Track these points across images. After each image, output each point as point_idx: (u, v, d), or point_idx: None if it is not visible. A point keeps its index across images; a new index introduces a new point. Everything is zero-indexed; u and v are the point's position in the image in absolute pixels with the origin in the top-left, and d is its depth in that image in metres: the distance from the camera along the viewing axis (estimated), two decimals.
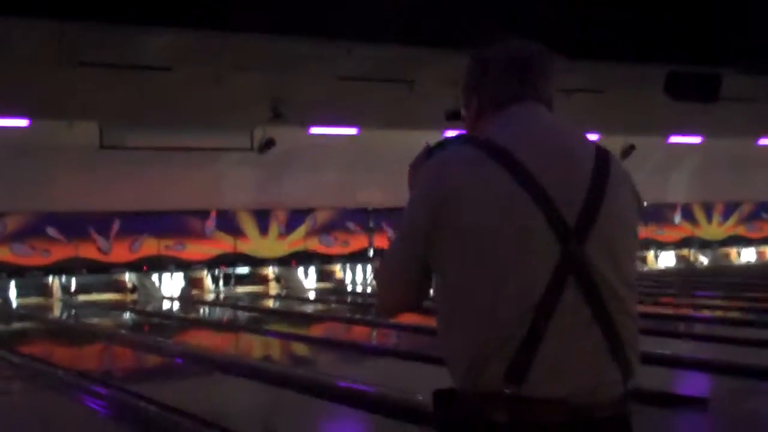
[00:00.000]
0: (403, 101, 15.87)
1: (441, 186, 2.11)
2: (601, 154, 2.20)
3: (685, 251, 25.99)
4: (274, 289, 21.68)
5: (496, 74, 2.26)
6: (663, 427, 6.88)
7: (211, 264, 20.53)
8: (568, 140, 2.21)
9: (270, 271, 22.07)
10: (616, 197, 2.15)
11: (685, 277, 21.80)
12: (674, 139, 22.37)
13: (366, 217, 23.22)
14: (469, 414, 2.09)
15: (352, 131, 18.72)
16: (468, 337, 2.07)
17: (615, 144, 21.96)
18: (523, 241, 2.04)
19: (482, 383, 2.06)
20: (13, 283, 19.87)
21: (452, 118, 15.50)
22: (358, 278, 23.88)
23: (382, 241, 23.38)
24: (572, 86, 15.25)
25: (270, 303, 19.57)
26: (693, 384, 8.43)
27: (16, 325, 16.76)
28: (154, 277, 20.49)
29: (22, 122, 15.79)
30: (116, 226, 20.19)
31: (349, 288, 22.70)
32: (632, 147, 22.22)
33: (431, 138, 2.83)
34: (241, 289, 20.62)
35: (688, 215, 26.03)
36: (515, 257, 2.04)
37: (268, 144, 17.89)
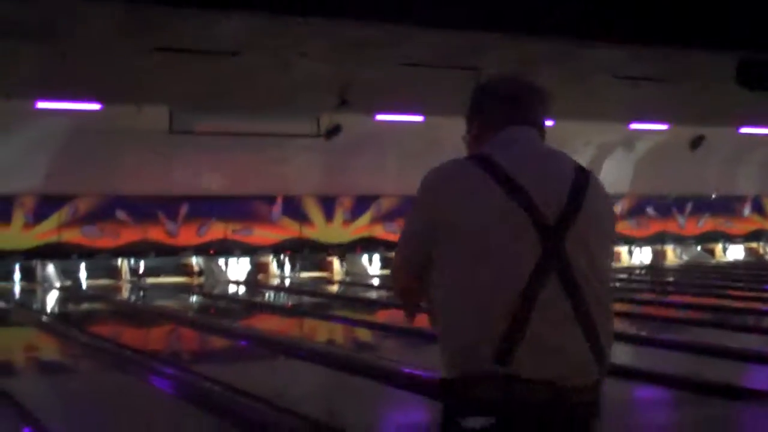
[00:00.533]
0: (468, 88, 15.79)
1: (439, 192, 2.46)
2: (580, 171, 2.51)
3: (754, 244, 25.56)
4: (338, 274, 21.79)
5: (492, 105, 2.63)
6: (729, 419, 6.81)
7: (277, 249, 20.68)
8: (551, 158, 2.54)
9: (335, 258, 22.19)
10: (594, 206, 2.46)
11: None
12: (746, 130, 21.95)
13: None
14: (469, 395, 2.36)
15: (418, 119, 18.72)
16: (463, 325, 2.37)
17: (684, 134, 21.70)
18: (510, 241, 2.35)
19: (476, 365, 2.33)
20: (83, 265, 20.24)
21: None
22: None
23: None
24: (639, 74, 15.08)
25: (334, 288, 19.68)
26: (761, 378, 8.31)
27: (86, 306, 17.07)
28: (221, 261, 20.72)
29: (95, 106, 16.03)
30: (184, 210, 20.44)
31: None
32: (702, 138, 21.91)
33: None
34: (305, 275, 20.74)
35: (758, 207, 25.59)
36: (503, 255, 2.35)
37: (335, 130, 17.96)
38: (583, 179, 2.48)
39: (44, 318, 14.60)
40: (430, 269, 2.47)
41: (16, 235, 19.27)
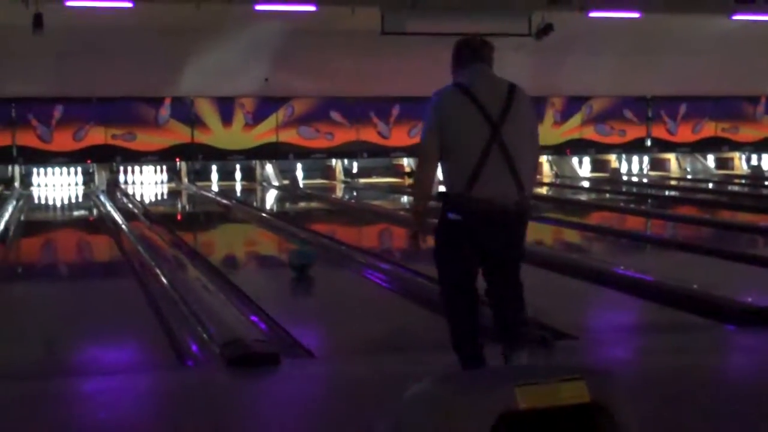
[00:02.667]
0: None
1: (440, 105, 4.59)
2: (511, 86, 4.63)
3: None
4: (546, 176, 21.70)
5: (461, 53, 4.75)
6: None
7: None
8: (495, 80, 4.68)
9: (544, 160, 22.05)
10: (519, 107, 4.57)
11: None
12: None
13: (644, 106, 22.63)
14: (452, 202, 4.54)
15: (634, 15, 18.14)
16: (453, 171, 4.55)
17: None
18: (473, 129, 4.50)
19: (457, 189, 4.51)
20: (299, 165, 20.95)
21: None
22: (634, 168, 23.42)
23: (660, 131, 22.76)
24: None
25: (544, 190, 19.60)
26: None
27: (302, 204, 17.68)
28: None
29: (310, 7, 16.32)
30: (396, 111, 20.74)
31: (625, 178, 22.35)
32: None
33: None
34: None
35: None
36: (470, 136, 4.49)
37: (546, 29, 17.63)
38: (512, 92, 4.59)
39: (264, 215, 15.26)
40: (439, 148, 4.57)
41: (237, 135, 20.13)
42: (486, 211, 4.47)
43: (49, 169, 19.79)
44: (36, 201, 17.82)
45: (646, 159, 23.50)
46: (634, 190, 19.98)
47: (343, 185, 20.68)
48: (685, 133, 22.98)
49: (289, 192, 19.03)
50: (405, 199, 18.17)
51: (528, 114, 4.65)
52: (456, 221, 4.53)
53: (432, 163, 4.60)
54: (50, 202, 18.08)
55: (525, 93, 4.65)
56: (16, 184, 19.32)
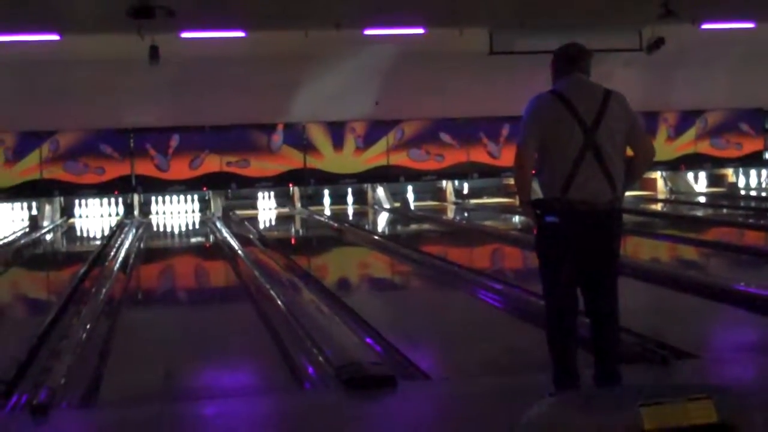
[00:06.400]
0: None
1: (538, 111, 4.78)
2: (606, 92, 4.77)
3: None
4: (662, 192, 21.32)
5: (560, 62, 4.90)
6: None
7: None
8: (591, 87, 4.80)
9: (658, 176, 21.69)
10: (613, 112, 4.72)
11: None
12: None
13: (761, 118, 22.07)
14: (549, 205, 4.76)
15: (748, 26, 17.72)
16: (548, 175, 4.76)
17: None
18: (569, 135, 4.67)
19: (553, 193, 4.72)
20: (410, 188, 21.01)
21: None
22: (752, 182, 22.84)
23: None
24: None
25: (658, 206, 19.26)
26: None
27: (414, 227, 17.70)
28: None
29: (418, 30, 16.41)
30: (505, 130, 20.66)
31: (743, 192, 21.80)
32: None
33: None
34: (627, 193, 20.40)
35: None
36: (565, 141, 4.67)
37: (658, 43, 17.35)
38: (606, 97, 4.73)
39: (376, 238, 15.33)
40: (535, 152, 4.79)
41: (349, 159, 20.31)
42: (581, 211, 4.65)
43: (167, 197, 20.28)
44: (155, 229, 18.25)
45: (764, 172, 22.89)
46: (753, 204, 19.46)
47: (454, 206, 20.66)
48: None
49: (401, 214, 19.09)
50: (516, 218, 18.05)
51: (624, 118, 4.74)
52: (553, 224, 4.73)
53: (528, 167, 4.78)
54: (168, 230, 18.50)
55: (623, 98, 4.80)
56: (136, 212, 19.83)
